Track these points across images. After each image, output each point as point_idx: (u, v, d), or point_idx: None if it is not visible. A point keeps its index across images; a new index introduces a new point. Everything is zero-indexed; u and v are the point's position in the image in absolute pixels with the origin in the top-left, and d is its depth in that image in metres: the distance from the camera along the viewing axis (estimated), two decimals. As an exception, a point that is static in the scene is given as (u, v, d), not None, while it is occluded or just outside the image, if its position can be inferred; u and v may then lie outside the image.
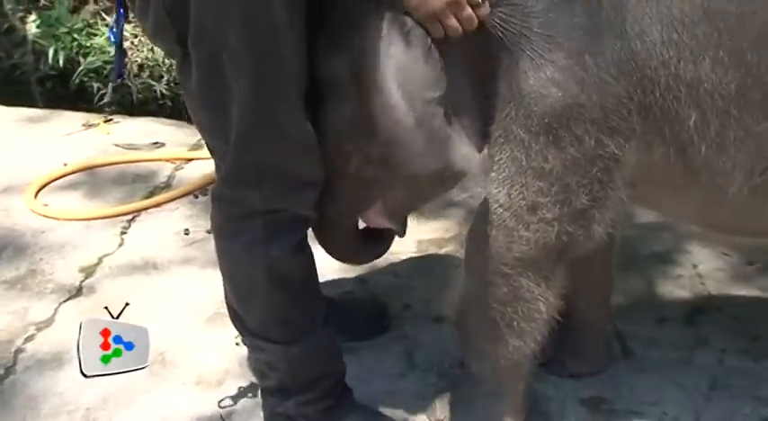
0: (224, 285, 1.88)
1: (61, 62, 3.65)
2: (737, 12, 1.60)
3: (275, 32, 1.61)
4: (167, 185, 2.99)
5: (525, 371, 1.89)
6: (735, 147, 1.65)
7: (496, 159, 1.68)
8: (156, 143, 3.25)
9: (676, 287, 2.43)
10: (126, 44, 3.59)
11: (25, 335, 2.31)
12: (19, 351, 2.26)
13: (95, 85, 3.64)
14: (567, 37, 1.60)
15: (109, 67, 3.61)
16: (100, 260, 2.60)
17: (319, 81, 1.71)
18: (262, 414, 1.98)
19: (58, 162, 3.10)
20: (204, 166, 3.02)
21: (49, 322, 2.36)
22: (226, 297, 1.89)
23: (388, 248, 2.08)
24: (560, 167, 1.64)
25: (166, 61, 3.59)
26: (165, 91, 3.61)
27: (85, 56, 3.66)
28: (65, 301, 2.43)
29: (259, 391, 2.03)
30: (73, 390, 2.12)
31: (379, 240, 2.02)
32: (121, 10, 1.80)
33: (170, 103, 3.63)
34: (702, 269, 2.49)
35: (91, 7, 3.83)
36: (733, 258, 2.52)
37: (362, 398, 2.00)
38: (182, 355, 2.23)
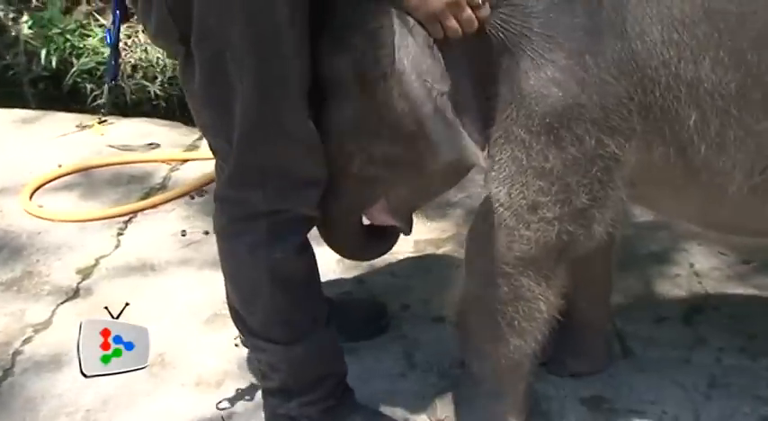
0: (226, 286, 1.88)
1: (54, 63, 3.63)
2: (738, 12, 1.60)
3: (278, 31, 1.61)
4: (163, 186, 2.98)
5: (526, 371, 1.90)
6: (735, 146, 1.66)
7: (497, 159, 1.68)
8: (150, 144, 3.23)
9: (674, 286, 2.44)
10: (119, 45, 3.59)
11: (23, 338, 2.30)
12: (17, 353, 2.25)
13: (88, 86, 3.63)
14: (568, 37, 1.61)
15: (102, 67, 3.60)
16: (96, 261, 2.59)
17: (322, 80, 1.72)
18: (262, 415, 1.97)
19: (53, 163, 3.08)
20: (200, 167, 3.02)
21: (46, 324, 2.35)
22: (228, 298, 1.89)
23: (393, 244, 2.08)
24: (561, 167, 1.65)
25: (160, 62, 3.59)
26: (158, 92, 3.59)
27: (78, 57, 3.65)
28: (62, 303, 2.42)
29: (259, 392, 2.03)
30: (72, 392, 2.12)
31: (384, 237, 2.02)
32: (117, 12, 1.80)
33: (164, 104, 3.62)
34: (699, 268, 2.50)
35: (84, 8, 3.82)
36: (729, 257, 2.53)
37: (363, 399, 2.00)
38: (181, 357, 2.22)
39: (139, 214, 2.82)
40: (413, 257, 2.54)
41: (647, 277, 2.47)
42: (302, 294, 1.82)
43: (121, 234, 2.73)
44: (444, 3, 1.58)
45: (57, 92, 3.70)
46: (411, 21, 1.62)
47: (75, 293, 2.46)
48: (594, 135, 1.63)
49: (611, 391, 2.08)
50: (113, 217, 2.79)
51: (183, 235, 2.71)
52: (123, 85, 3.59)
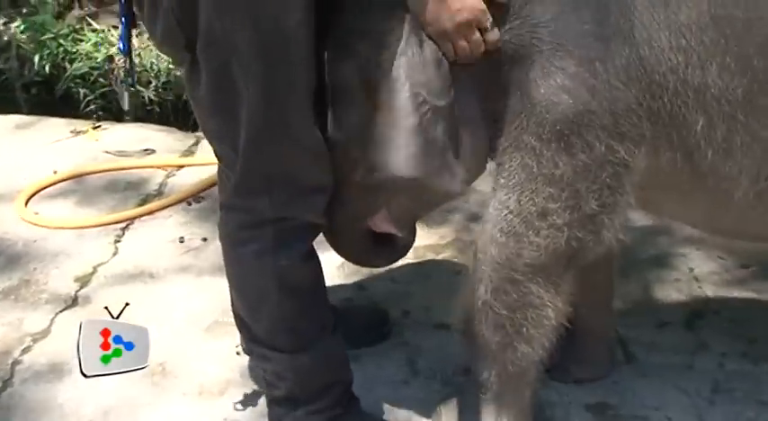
0: (231, 293, 1.86)
1: (47, 68, 3.61)
2: (744, 18, 1.61)
3: (285, 37, 1.60)
4: (160, 193, 2.96)
5: (532, 378, 1.89)
6: (741, 151, 1.66)
7: (506, 166, 1.68)
8: (146, 150, 3.21)
9: (674, 291, 2.44)
10: (113, 50, 3.57)
11: (22, 347, 2.28)
12: (16, 363, 2.23)
13: (81, 92, 3.61)
14: (578, 44, 1.61)
15: (96, 73, 3.58)
16: (95, 269, 2.57)
17: (328, 87, 1.71)
18: (267, 423, 1.96)
19: (48, 169, 3.06)
20: (196, 173, 3.00)
21: (45, 333, 2.33)
22: (233, 305, 1.88)
23: (406, 253, 2.07)
24: (571, 173, 1.65)
25: (154, 67, 3.57)
26: (152, 97, 3.57)
27: (71, 62, 3.63)
28: (61, 312, 2.40)
29: (262, 400, 2.01)
30: (73, 402, 2.10)
31: (392, 244, 2.01)
32: (123, 18, 1.78)
33: (158, 109, 3.60)
34: (699, 272, 2.51)
35: (76, 12, 3.80)
36: (728, 261, 2.54)
37: (366, 407, 1.99)
38: (182, 365, 2.20)
39: (137, 221, 2.80)
40: (413, 263, 2.53)
41: (647, 282, 2.47)
42: (309, 302, 1.82)
43: (119, 241, 2.71)
44: (456, 23, 1.59)
45: (49, 97, 3.68)
46: (423, 32, 1.62)
47: (73, 301, 2.44)
48: (604, 141, 1.63)
49: (615, 397, 2.08)
50: (110, 224, 2.77)
51: (182, 242, 2.69)
52: (117, 90, 3.57)
